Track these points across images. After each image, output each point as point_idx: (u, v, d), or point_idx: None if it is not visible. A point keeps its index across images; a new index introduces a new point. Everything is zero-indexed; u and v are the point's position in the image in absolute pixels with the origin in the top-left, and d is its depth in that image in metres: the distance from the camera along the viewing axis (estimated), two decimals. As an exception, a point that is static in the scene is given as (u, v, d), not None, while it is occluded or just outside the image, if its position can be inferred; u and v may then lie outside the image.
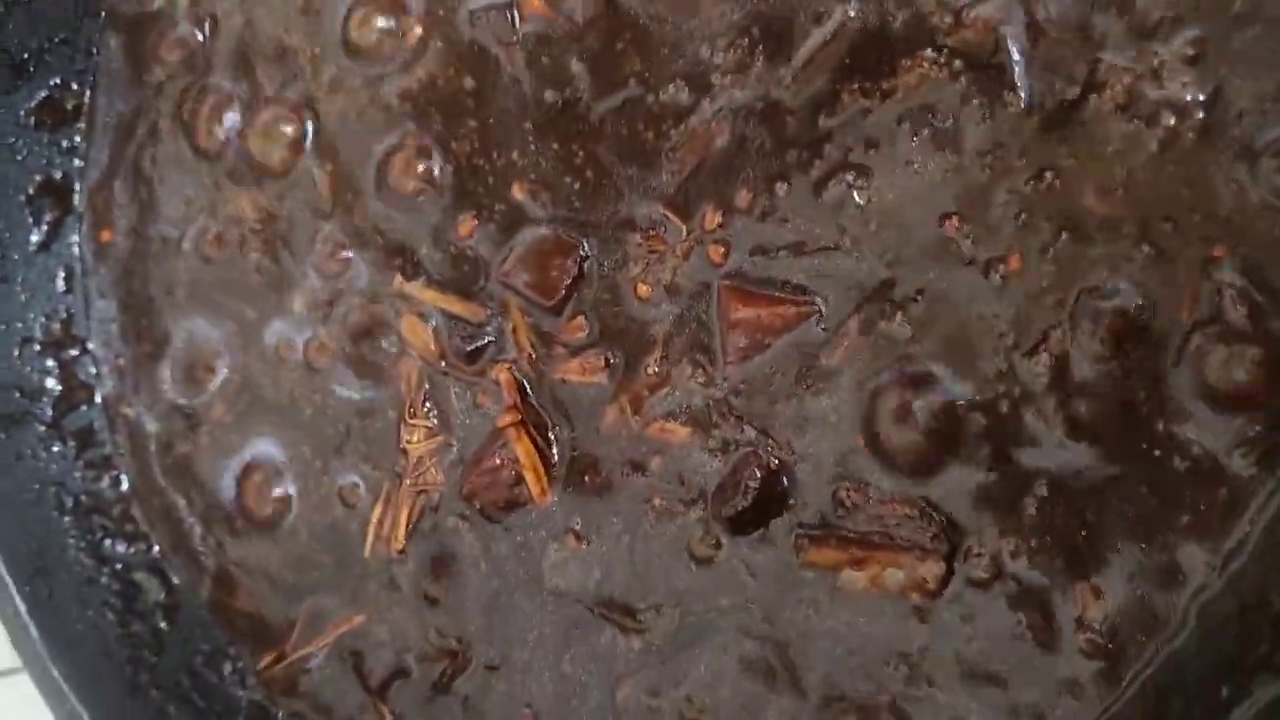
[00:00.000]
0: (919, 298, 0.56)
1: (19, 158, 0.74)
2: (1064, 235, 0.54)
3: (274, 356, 0.70)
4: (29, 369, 0.74)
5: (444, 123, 0.65)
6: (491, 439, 0.63)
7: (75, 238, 0.76)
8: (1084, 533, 0.55)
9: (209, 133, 0.72)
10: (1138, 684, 0.54)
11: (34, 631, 0.66)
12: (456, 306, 0.65)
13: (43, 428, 0.73)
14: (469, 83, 0.64)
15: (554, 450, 0.63)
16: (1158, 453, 0.52)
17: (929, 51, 0.55)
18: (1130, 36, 0.53)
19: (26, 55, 0.73)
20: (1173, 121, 0.52)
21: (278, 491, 0.70)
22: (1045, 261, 0.54)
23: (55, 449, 0.73)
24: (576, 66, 0.61)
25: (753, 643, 0.59)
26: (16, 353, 0.73)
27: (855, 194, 0.56)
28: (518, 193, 0.63)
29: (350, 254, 0.68)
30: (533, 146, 0.63)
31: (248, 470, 0.71)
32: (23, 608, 0.66)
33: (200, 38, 0.73)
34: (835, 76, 0.56)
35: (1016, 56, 0.54)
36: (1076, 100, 0.53)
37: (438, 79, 0.65)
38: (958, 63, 0.55)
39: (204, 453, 0.72)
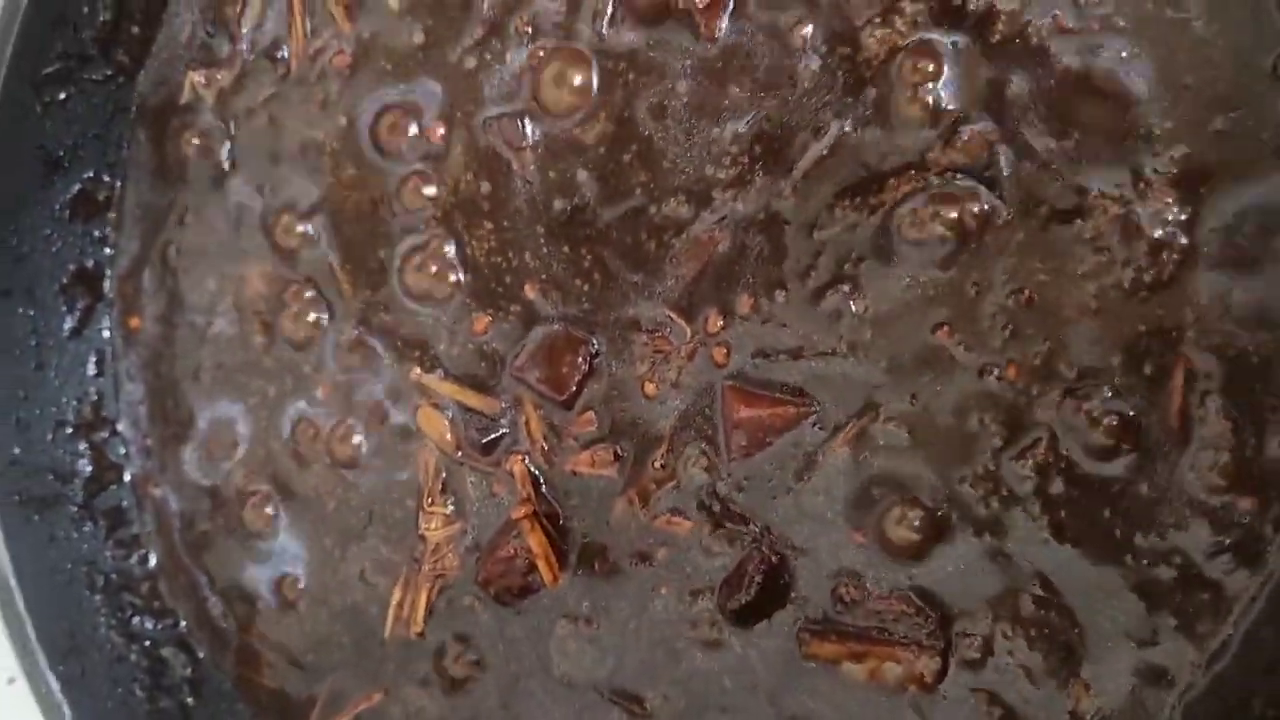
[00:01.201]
0: (913, 402, 0.59)
1: (54, 249, 0.78)
2: (1049, 345, 0.57)
3: (294, 444, 0.74)
4: (61, 451, 0.77)
5: (463, 224, 0.69)
6: (506, 529, 0.66)
7: (106, 323, 0.80)
8: (1077, 630, 0.57)
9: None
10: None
11: (67, 710, 0.69)
12: (472, 399, 0.68)
13: (75, 509, 0.77)
14: (485, 187, 0.68)
15: (566, 539, 0.66)
16: (1144, 561, 0.55)
17: (919, 171, 0.58)
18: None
19: (62, 152, 0.77)
20: (1151, 249, 0.55)
21: (298, 572, 0.74)
22: (1035, 369, 0.57)
23: (86, 529, 0.77)
24: (584, 175, 0.65)
25: (756, 726, 0.62)
26: (50, 436, 0.77)
27: (851, 303, 0.60)
28: (530, 292, 0.67)
29: (370, 345, 0.72)
30: (544, 249, 0.66)
31: (273, 550, 0.75)
32: (56, 687, 0.70)
33: (226, 131, 0.77)
34: (830, 191, 0.60)
35: (1006, 171, 0.58)
36: (1062, 218, 0.56)
37: (458, 182, 0.69)
38: (944, 179, 0.58)
39: (228, 532, 0.76)
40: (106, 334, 0.80)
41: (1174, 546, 0.55)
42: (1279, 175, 0.54)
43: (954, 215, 0.57)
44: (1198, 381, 0.54)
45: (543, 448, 0.66)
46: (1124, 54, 0.56)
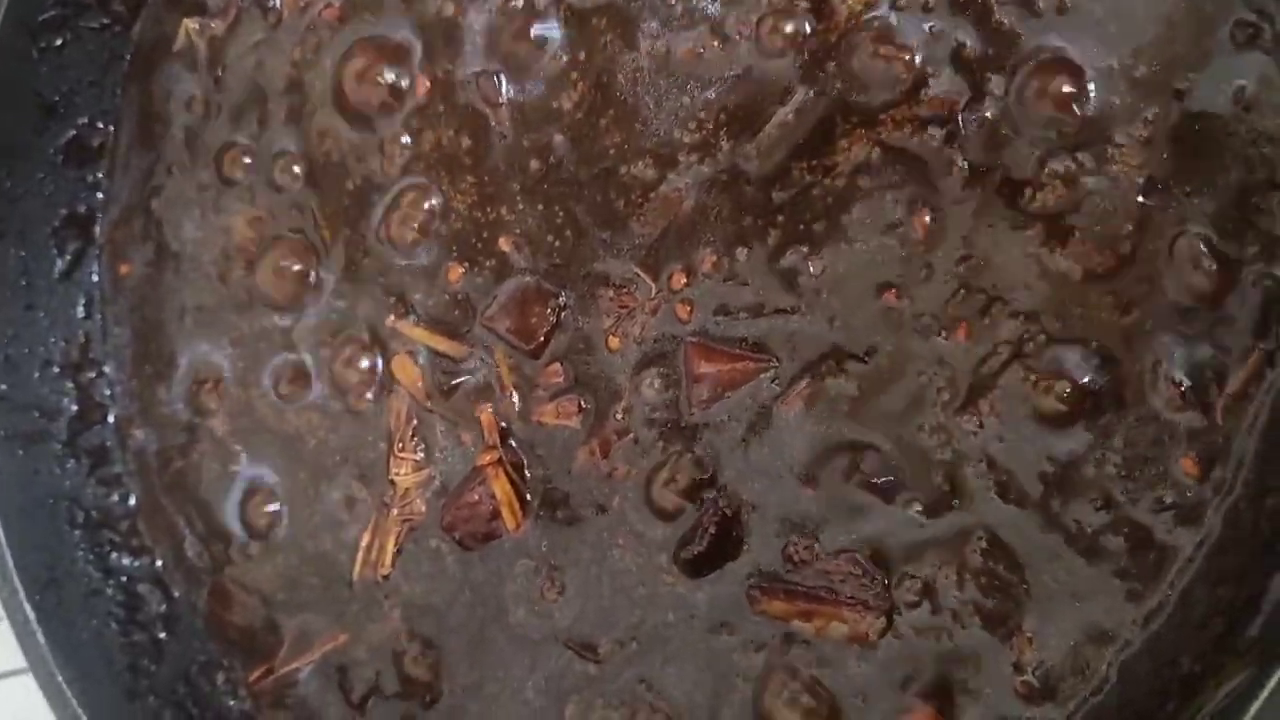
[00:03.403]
0: (866, 359, 0.61)
1: (47, 193, 0.81)
2: (999, 306, 0.59)
3: (273, 386, 0.76)
4: (48, 390, 0.80)
5: (444, 178, 0.71)
6: (471, 476, 0.69)
7: (95, 268, 0.83)
8: (1024, 586, 0.59)
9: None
10: (1064, 733, 0.58)
11: (41, 638, 0.72)
12: (441, 344, 0.71)
13: (59, 446, 0.80)
14: (465, 142, 0.71)
15: (529, 488, 0.69)
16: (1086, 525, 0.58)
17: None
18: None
19: (57, 98, 0.80)
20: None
21: (271, 509, 0.77)
22: (984, 329, 0.59)
23: (70, 466, 0.80)
24: (558, 136, 0.68)
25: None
26: (37, 375, 0.80)
27: (809, 264, 0.62)
28: (504, 245, 0.69)
29: (350, 290, 0.74)
30: (520, 205, 0.69)
31: (248, 492, 0.77)
32: (32, 615, 0.73)
33: (216, 78, 0.79)
34: (790, 153, 0.63)
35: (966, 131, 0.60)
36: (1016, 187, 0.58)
37: (440, 136, 0.71)
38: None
39: (205, 473, 0.79)
40: (96, 278, 0.83)
41: (1118, 510, 0.57)
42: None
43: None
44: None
45: (512, 396, 0.69)
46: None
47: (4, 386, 0.78)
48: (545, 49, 0.68)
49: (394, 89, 0.73)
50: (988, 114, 0.60)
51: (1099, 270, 0.58)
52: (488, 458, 0.68)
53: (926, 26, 0.61)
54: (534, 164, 0.69)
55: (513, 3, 0.69)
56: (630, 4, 0.67)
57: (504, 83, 0.69)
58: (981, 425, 0.60)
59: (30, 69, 0.78)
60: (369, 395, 0.73)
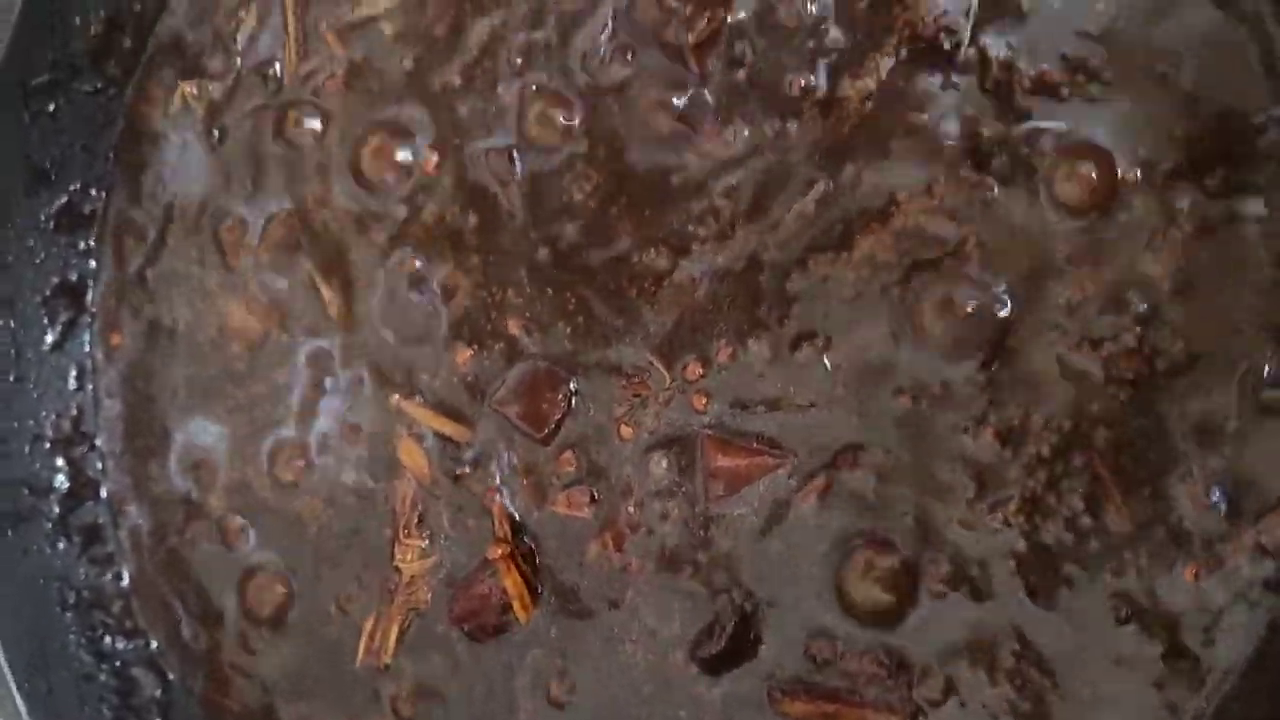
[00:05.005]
0: (886, 455, 0.61)
1: (37, 260, 0.79)
2: (1024, 410, 0.58)
3: (272, 466, 0.75)
4: (38, 465, 0.79)
5: (450, 256, 0.70)
6: (481, 568, 0.68)
7: (87, 337, 0.81)
8: (1055, 690, 0.59)
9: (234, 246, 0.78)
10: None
11: (33, 728, 0.71)
12: (449, 428, 0.70)
13: (49, 525, 0.78)
14: (472, 219, 0.70)
15: (540, 577, 0.68)
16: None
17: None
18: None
19: (49, 163, 0.78)
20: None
21: (270, 591, 0.75)
22: (1007, 429, 0.59)
23: (60, 545, 0.78)
24: (570, 218, 0.67)
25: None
26: (27, 449, 0.79)
27: (826, 357, 0.62)
28: (513, 328, 0.69)
29: (352, 370, 0.73)
30: (529, 287, 0.68)
31: (247, 573, 0.76)
32: (22, 706, 0.71)
33: (212, 143, 0.78)
34: (808, 245, 0.62)
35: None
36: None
37: (445, 212, 0.70)
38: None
39: (201, 552, 0.77)
40: (87, 348, 0.81)
41: (1153, 617, 0.56)
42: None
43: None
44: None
45: (522, 485, 0.68)
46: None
47: (-8, 463, 0.77)
48: (560, 129, 0.68)
49: (400, 165, 0.72)
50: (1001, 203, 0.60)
51: (1123, 374, 0.57)
52: (498, 550, 0.67)
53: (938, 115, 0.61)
54: (543, 249, 0.68)
55: (529, 85, 0.68)
56: (646, 84, 0.66)
57: (517, 160, 0.69)
58: (1008, 524, 0.59)
59: (22, 134, 0.77)
60: (374, 478, 0.72)
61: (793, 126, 0.63)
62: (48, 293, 0.80)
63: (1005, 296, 0.59)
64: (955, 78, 0.60)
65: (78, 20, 0.77)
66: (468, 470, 0.70)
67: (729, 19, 0.65)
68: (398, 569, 0.72)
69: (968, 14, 0.59)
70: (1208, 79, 0.56)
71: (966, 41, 0.59)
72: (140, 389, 0.80)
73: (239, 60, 0.78)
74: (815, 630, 0.62)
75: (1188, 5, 0.56)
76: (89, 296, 0.82)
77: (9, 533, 0.76)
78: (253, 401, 0.77)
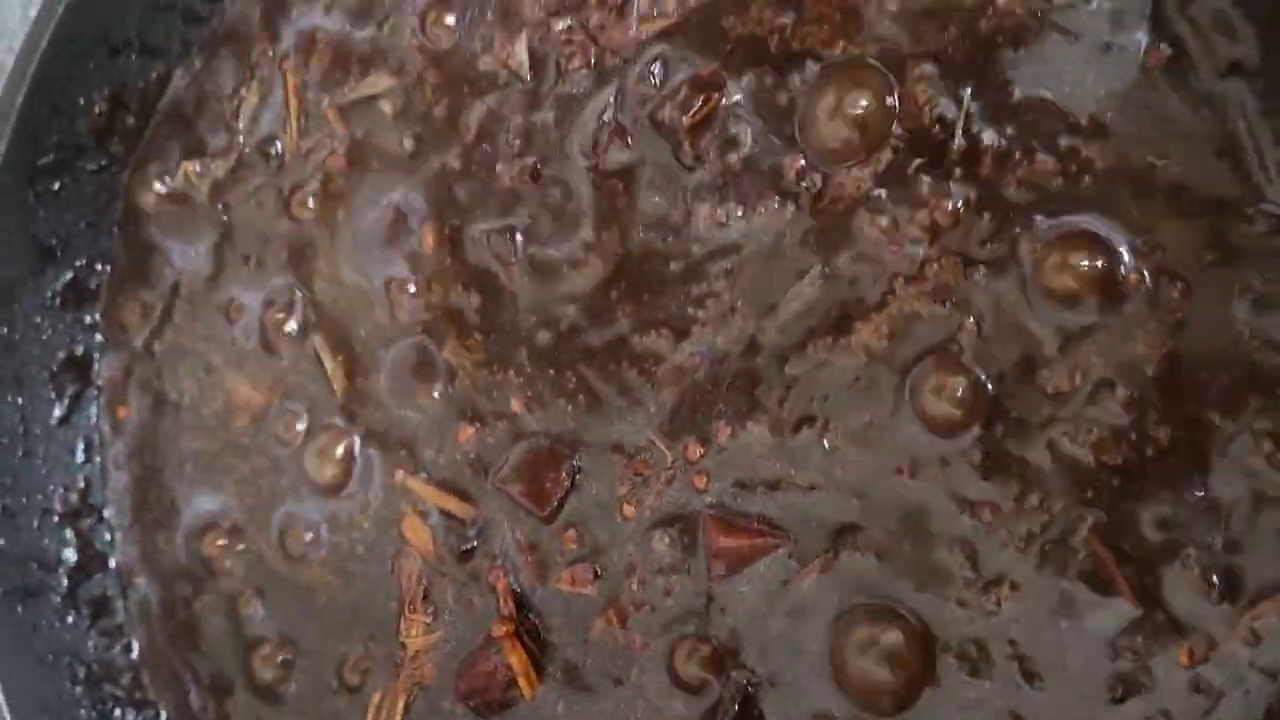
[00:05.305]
0: (885, 535, 0.62)
1: (44, 337, 0.80)
2: (1021, 489, 0.60)
3: (280, 539, 0.76)
4: (47, 539, 0.80)
5: (452, 334, 0.72)
6: (486, 644, 0.69)
7: (94, 410, 0.82)
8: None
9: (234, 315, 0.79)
10: None
11: (45, 807, 0.72)
12: (453, 506, 0.71)
13: (58, 599, 0.79)
14: (475, 299, 0.71)
15: (545, 653, 0.68)
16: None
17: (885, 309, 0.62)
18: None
19: (54, 241, 0.80)
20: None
21: (278, 661, 0.76)
22: (1013, 514, 0.60)
23: (70, 619, 0.79)
24: (570, 306, 0.68)
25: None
26: (36, 523, 0.80)
27: (824, 440, 0.63)
28: (516, 406, 0.69)
29: (358, 446, 0.74)
30: (529, 366, 0.69)
31: (255, 644, 0.77)
32: (35, 782, 0.72)
33: (220, 221, 0.79)
34: (806, 329, 0.63)
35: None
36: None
37: (448, 291, 0.72)
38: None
39: (209, 623, 0.78)
40: (94, 419, 0.82)
41: (1150, 698, 0.57)
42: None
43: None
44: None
45: (527, 561, 0.69)
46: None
47: (1, 541, 0.77)
48: (565, 210, 0.69)
49: (403, 243, 0.73)
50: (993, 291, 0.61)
51: (1113, 461, 0.58)
52: (503, 628, 0.68)
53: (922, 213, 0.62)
54: (544, 330, 0.69)
55: (538, 168, 0.70)
56: (653, 170, 0.67)
57: (518, 241, 0.70)
58: (999, 605, 0.60)
59: (28, 214, 0.78)
60: (381, 552, 0.73)
61: (788, 211, 0.64)
62: (54, 368, 0.81)
63: (997, 383, 0.60)
64: (949, 167, 0.61)
65: (81, 100, 0.79)
66: (472, 546, 0.71)
67: (725, 101, 0.67)
68: (404, 643, 0.73)
69: (960, 105, 0.60)
70: (1196, 171, 0.57)
71: (960, 132, 0.60)
72: (148, 461, 0.81)
73: (241, 138, 0.79)
74: (817, 711, 0.62)
75: (1174, 99, 0.58)
76: (95, 369, 0.83)
77: (19, 608, 0.77)
78: (258, 474, 0.78)
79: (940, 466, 0.61)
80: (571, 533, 0.69)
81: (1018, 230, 0.61)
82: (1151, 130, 0.58)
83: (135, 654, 0.81)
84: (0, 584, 0.77)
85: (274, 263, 0.77)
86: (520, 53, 0.71)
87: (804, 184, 0.64)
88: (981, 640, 0.60)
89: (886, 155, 0.62)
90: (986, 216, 0.61)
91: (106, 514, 0.82)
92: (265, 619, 0.77)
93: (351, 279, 0.75)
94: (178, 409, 0.80)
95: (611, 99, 0.68)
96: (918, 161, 0.61)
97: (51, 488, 0.81)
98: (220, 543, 0.79)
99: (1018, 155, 0.60)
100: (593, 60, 0.70)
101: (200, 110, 0.80)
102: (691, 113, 0.66)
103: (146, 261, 0.81)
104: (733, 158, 0.66)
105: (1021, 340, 0.60)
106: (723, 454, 0.65)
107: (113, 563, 0.82)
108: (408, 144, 0.74)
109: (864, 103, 0.62)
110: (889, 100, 0.62)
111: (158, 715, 0.80)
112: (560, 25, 0.70)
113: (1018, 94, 0.60)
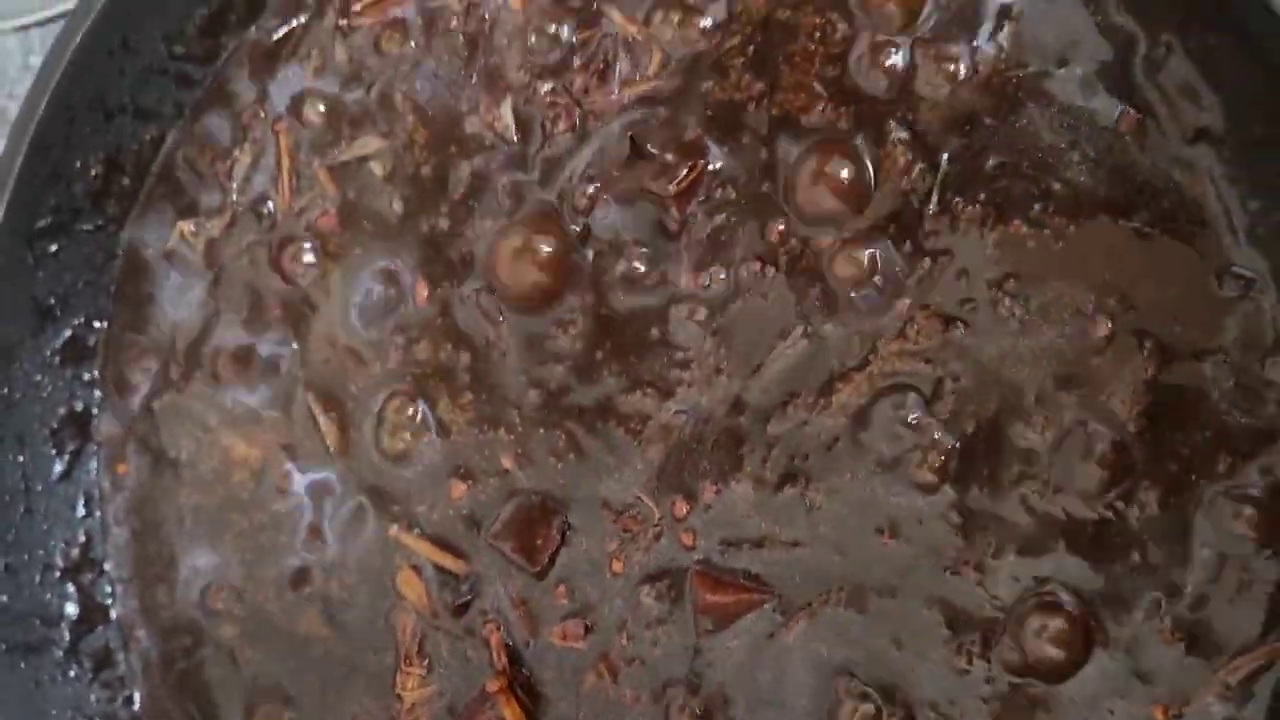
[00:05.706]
0: (868, 592, 0.63)
1: (44, 395, 0.82)
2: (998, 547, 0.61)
3: (278, 592, 0.77)
4: (49, 595, 0.81)
5: (443, 392, 0.73)
6: (480, 699, 0.70)
7: (94, 465, 0.83)
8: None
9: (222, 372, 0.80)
10: None
11: None
12: (446, 561, 0.73)
13: (60, 653, 0.80)
14: (465, 358, 0.72)
15: (539, 706, 0.70)
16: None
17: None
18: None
19: (53, 301, 0.81)
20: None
21: (278, 715, 0.77)
22: (989, 570, 0.61)
23: (72, 673, 0.80)
24: (558, 361, 0.70)
25: None
26: (38, 580, 0.81)
27: (807, 497, 0.65)
28: (507, 463, 0.71)
29: (352, 500, 0.75)
30: (520, 426, 0.70)
31: (255, 696, 0.78)
32: (38, 840, 0.73)
33: (213, 279, 0.81)
34: (789, 390, 0.65)
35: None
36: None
37: (439, 350, 0.73)
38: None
39: (210, 675, 0.79)
40: (94, 475, 0.84)
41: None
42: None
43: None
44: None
45: (520, 616, 0.70)
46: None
47: (4, 597, 0.79)
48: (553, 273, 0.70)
49: (393, 303, 0.75)
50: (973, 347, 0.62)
51: (1087, 515, 0.60)
52: (496, 684, 0.69)
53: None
54: (533, 390, 0.71)
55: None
56: (628, 229, 0.69)
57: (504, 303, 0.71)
58: (983, 661, 0.61)
59: (27, 275, 0.79)
60: (376, 606, 0.75)
61: (770, 273, 0.66)
62: (55, 425, 0.82)
63: (979, 438, 0.62)
64: (926, 230, 0.62)
65: (78, 164, 0.80)
66: (466, 601, 0.72)
67: (710, 166, 0.68)
68: (400, 695, 0.74)
69: (937, 170, 0.62)
70: (1168, 233, 0.59)
71: (936, 196, 0.62)
72: (147, 516, 0.83)
73: (234, 197, 0.81)
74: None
75: (1146, 162, 0.59)
76: (94, 424, 0.84)
77: (21, 665, 0.79)
78: (257, 529, 0.79)
79: (920, 525, 0.62)
80: (562, 588, 0.70)
81: (994, 288, 0.63)
82: (1123, 193, 0.60)
83: (137, 705, 0.82)
84: (3, 641, 0.78)
85: (269, 320, 0.79)
86: (506, 115, 0.73)
87: (786, 247, 0.66)
88: (956, 699, 0.62)
89: (866, 218, 0.64)
90: (964, 277, 0.63)
91: (107, 568, 0.84)
92: (263, 672, 0.78)
93: (343, 337, 0.77)
94: (176, 466, 0.81)
95: (593, 163, 0.69)
96: (895, 225, 0.63)
97: (53, 543, 0.82)
98: (220, 595, 0.80)
99: (993, 218, 0.62)
100: (577, 123, 0.71)
101: (194, 170, 0.82)
102: (678, 179, 0.68)
103: (143, 319, 0.83)
104: (717, 220, 0.67)
105: (998, 394, 0.61)
106: (709, 511, 0.67)
107: (114, 615, 0.83)
108: (397, 206, 0.75)
109: (844, 171, 0.64)
110: (867, 165, 0.64)
111: (160, 767, 0.81)
112: (545, 88, 0.72)
113: (992, 160, 0.62)
